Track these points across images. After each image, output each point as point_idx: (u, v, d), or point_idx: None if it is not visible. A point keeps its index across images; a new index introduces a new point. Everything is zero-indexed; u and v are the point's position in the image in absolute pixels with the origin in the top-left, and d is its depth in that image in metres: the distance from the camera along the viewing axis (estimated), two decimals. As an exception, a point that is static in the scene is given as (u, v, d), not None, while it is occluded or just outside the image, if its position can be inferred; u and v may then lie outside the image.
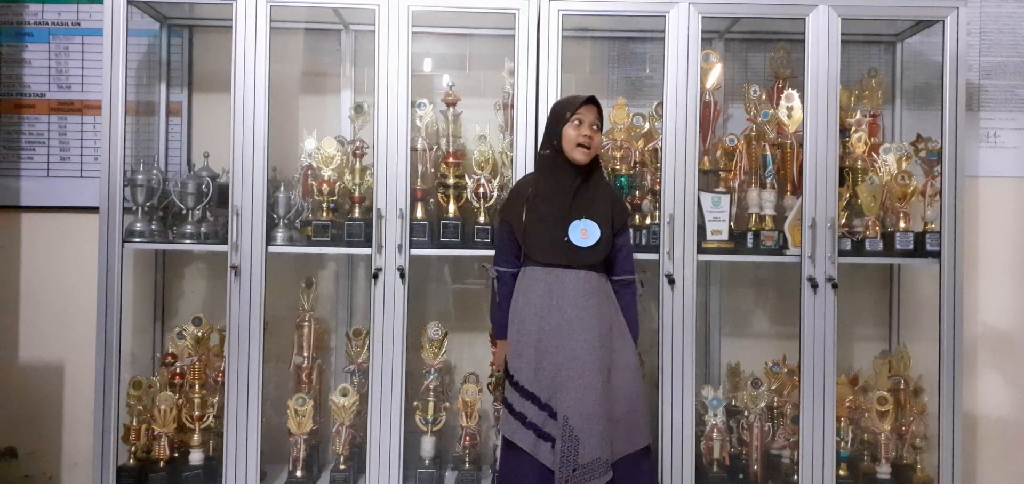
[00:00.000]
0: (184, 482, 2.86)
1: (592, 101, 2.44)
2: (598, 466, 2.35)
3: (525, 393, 2.40)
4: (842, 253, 2.84)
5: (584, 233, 2.42)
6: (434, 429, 2.97)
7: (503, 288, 2.53)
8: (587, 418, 2.34)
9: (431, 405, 2.97)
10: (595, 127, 2.44)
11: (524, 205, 2.47)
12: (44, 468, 3.26)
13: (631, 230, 2.76)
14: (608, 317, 2.45)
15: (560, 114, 2.46)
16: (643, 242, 2.90)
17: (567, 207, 2.43)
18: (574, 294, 2.41)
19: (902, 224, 2.92)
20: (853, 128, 2.99)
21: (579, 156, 2.42)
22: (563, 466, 2.33)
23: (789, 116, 2.94)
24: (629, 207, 2.86)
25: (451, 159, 2.95)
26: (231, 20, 2.78)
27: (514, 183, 2.69)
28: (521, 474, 2.42)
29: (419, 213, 2.90)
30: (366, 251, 2.82)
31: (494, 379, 2.97)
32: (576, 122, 2.42)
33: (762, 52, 3.27)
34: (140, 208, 2.88)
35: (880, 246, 2.89)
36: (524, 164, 2.77)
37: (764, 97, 3.07)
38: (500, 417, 2.56)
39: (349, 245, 2.87)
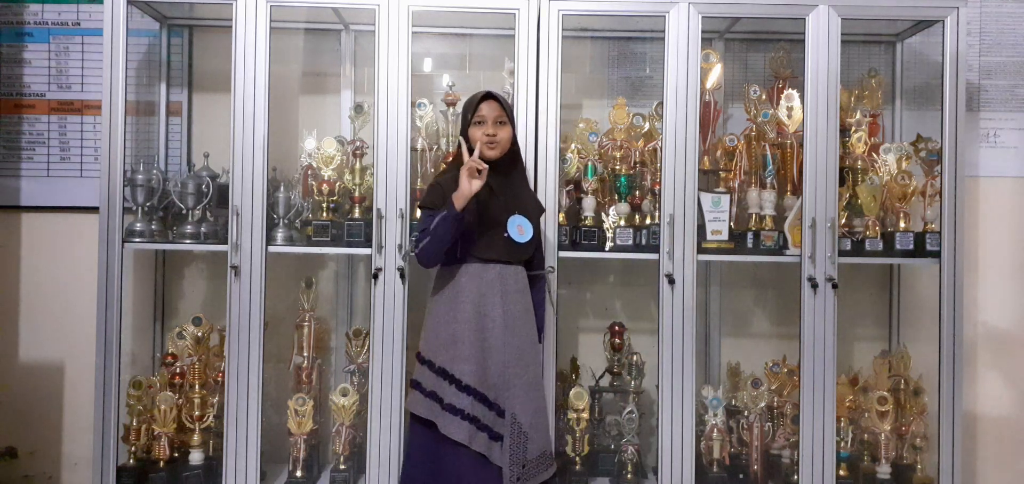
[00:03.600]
0: (184, 482, 2.86)
1: (490, 96, 2.43)
2: (545, 460, 2.40)
3: (477, 395, 2.37)
4: (842, 253, 2.84)
5: (520, 229, 2.44)
6: (434, 429, 2.97)
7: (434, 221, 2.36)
8: (534, 413, 2.39)
9: (431, 405, 2.97)
10: (499, 122, 2.42)
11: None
12: (44, 468, 3.27)
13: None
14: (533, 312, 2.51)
15: (464, 115, 2.47)
16: (643, 242, 2.90)
17: (502, 202, 2.44)
18: (514, 290, 2.43)
19: (902, 224, 2.92)
20: (853, 128, 2.99)
21: (489, 153, 2.41)
22: (513, 464, 2.34)
23: (789, 116, 2.94)
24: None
25: (451, 159, 2.95)
26: (231, 20, 2.78)
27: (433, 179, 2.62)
28: (456, 469, 2.37)
29: (419, 213, 2.89)
30: (366, 251, 2.82)
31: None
32: (478, 121, 2.42)
33: (762, 52, 3.27)
34: (140, 208, 2.88)
35: (880, 246, 2.89)
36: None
37: (764, 97, 3.07)
38: (416, 406, 2.42)
39: (349, 245, 2.87)
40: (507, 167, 2.48)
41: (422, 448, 2.44)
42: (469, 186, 2.31)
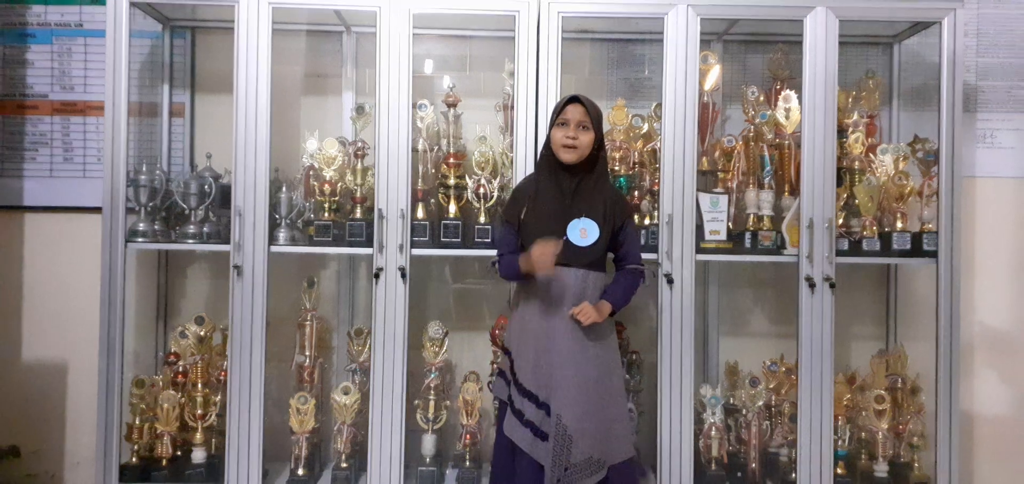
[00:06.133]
0: (187, 480, 2.88)
1: (575, 100, 2.44)
2: (590, 465, 2.36)
3: (523, 390, 2.43)
4: (840, 253, 2.86)
5: (583, 232, 2.44)
6: (435, 427, 2.99)
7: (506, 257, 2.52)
8: (581, 417, 2.36)
9: (432, 403, 2.99)
10: (583, 126, 2.43)
11: (525, 205, 2.49)
12: (47, 467, 3.28)
13: (635, 221, 2.76)
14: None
15: (551, 117, 2.52)
16: (642, 243, 2.91)
17: (566, 206, 2.45)
18: (573, 293, 2.43)
19: (899, 224, 2.94)
20: (850, 129, 3.01)
21: (566, 156, 2.43)
22: (555, 465, 2.34)
23: (787, 117, 2.96)
24: (630, 202, 2.90)
25: (452, 160, 2.97)
26: (233, 22, 2.80)
27: (515, 183, 2.71)
28: (518, 471, 2.44)
29: (420, 213, 2.91)
30: (367, 251, 2.83)
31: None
32: (561, 123, 2.45)
33: (760, 53, 3.29)
34: (143, 208, 2.89)
35: (877, 246, 2.91)
36: (524, 164, 2.80)
37: (762, 98, 3.09)
38: (498, 390, 2.58)
39: (351, 245, 2.89)
40: (583, 172, 2.47)
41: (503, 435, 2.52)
42: (540, 269, 2.36)
